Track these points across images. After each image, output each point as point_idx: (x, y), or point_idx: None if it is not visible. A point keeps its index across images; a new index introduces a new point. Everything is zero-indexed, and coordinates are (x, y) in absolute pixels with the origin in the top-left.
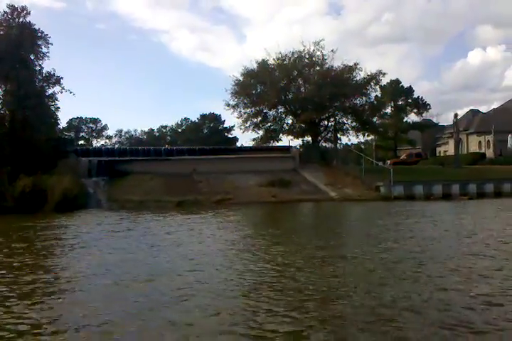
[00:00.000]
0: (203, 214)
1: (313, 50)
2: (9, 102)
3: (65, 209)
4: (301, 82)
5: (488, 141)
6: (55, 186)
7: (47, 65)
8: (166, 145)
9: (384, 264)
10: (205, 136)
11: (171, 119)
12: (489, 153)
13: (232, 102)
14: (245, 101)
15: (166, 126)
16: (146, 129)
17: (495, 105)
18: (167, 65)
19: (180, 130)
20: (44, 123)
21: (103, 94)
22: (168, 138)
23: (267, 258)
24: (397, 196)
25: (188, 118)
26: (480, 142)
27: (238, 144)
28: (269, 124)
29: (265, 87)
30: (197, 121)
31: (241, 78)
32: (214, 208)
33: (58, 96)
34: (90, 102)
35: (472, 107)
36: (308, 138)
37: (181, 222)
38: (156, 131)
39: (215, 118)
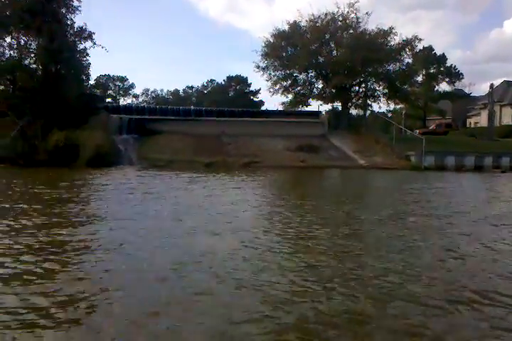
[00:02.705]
0: (237, 175)
1: (348, 12)
2: (42, 56)
3: (96, 164)
4: (333, 46)
5: None
6: (88, 141)
7: (78, 20)
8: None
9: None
10: (230, 99)
11: (197, 80)
12: None
13: (262, 64)
14: (275, 63)
15: (192, 87)
16: (172, 89)
17: None
18: (194, 26)
19: (205, 91)
20: (76, 79)
21: (130, 53)
22: (194, 99)
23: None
24: (427, 166)
25: (214, 80)
26: None
27: (264, 108)
28: (298, 88)
29: (296, 49)
30: (223, 83)
31: (272, 39)
32: (245, 170)
33: (89, 51)
34: (117, 60)
35: (505, 78)
36: (338, 104)
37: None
38: (181, 91)
39: (241, 81)
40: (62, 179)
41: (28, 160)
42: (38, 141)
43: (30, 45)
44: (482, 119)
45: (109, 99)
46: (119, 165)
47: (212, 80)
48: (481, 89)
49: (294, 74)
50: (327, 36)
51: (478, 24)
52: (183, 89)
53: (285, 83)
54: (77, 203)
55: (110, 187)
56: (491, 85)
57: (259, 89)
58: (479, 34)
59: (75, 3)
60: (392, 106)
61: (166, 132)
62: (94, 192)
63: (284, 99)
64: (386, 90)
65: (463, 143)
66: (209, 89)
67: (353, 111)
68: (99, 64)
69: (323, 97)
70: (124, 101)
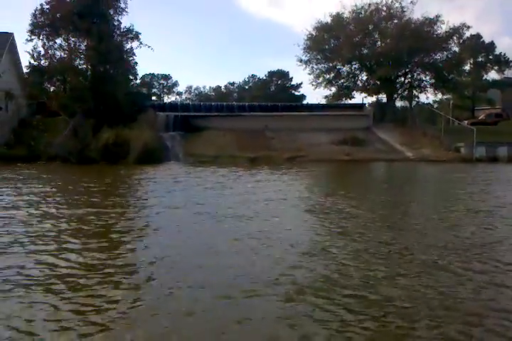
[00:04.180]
0: (284, 170)
1: (392, 2)
2: (91, 56)
3: (145, 161)
4: (377, 36)
5: None
6: (136, 139)
7: (125, 20)
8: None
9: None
10: (272, 93)
11: (238, 76)
12: None
13: (304, 58)
14: (318, 56)
15: (234, 83)
16: (214, 86)
17: None
18: (235, 22)
19: (247, 87)
20: (124, 78)
21: (173, 50)
22: (235, 95)
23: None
24: (478, 158)
25: (255, 76)
26: None
27: (306, 102)
28: (342, 81)
29: (339, 41)
30: (264, 78)
31: (314, 32)
32: (292, 165)
33: (135, 51)
34: (161, 58)
35: None
36: (383, 96)
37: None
38: (223, 87)
39: (282, 76)
40: (115, 174)
41: (79, 158)
42: (89, 139)
43: (80, 46)
44: None
45: (153, 97)
46: (166, 162)
47: (253, 76)
48: None
49: (337, 67)
50: (371, 27)
51: None
52: (225, 86)
53: (328, 76)
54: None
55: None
56: None
57: (301, 83)
58: None
59: (122, 5)
60: (439, 97)
61: (211, 128)
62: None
63: (327, 92)
64: (433, 80)
65: None
66: (250, 84)
67: (399, 103)
68: (144, 62)
69: (367, 89)
70: (168, 98)
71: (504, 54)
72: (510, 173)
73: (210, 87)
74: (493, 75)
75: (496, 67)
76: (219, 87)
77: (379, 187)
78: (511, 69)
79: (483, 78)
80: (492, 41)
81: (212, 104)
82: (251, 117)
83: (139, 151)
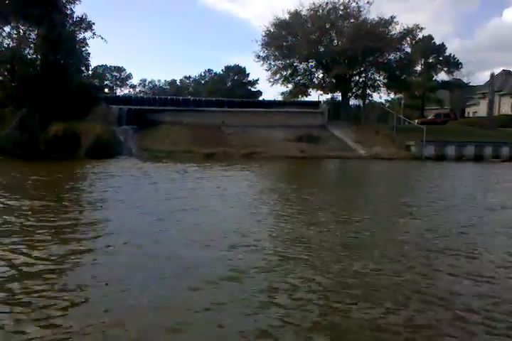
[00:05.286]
0: (238, 166)
1: (349, 1)
2: (41, 46)
3: (97, 155)
4: (334, 35)
5: None
6: (88, 132)
7: (78, 10)
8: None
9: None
10: (228, 89)
11: (194, 70)
12: None
13: (261, 54)
14: (276, 53)
15: (189, 77)
16: (169, 79)
17: None
18: (191, 15)
19: (203, 81)
20: (75, 69)
21: (127, 43)
22: (191, 89)
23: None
24: (427, 156)
25: (212, 70)
26: None
27: (262, 98)
28: (298, 78)
29: (297, 38)
30: (221, 73)
31: (272, 29)
32: (246, 161)
33: (89, 42)
34: (114, 50)
35: (504, 68)
36: (338, 94)
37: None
38: (178, 81)
39: (239, 71)
40: (58, 169)
41: (26, 152)
42: (37, 132)
43: (30, 34)
44: (481, 109)
45: (106, 90)
46: (118, 157)
47: (209, 70)
48: (480, 78)
49: (294, 64)
50: (328, 25)
51: (478, 13)
52: (180, 80)
53: (285, 73)
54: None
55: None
56: (492, 74)
57: (258, 79)
58: (478, 23)
59: None
60: (391, 96)
61: (166, 123)
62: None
63: (283, 89)
64: (386, 80)
65: (462, 133)
66: (206, 79)
67: (353, 101)
68: (96, 54)
69: (323, 87)
70: (121, 91)
71: (454, 55)
72: (453, 170)
73: (165, 80)
74: (442, 76)
75: (445, 69)
76: (174, 81)
77: (327, 183)
78: (460, 71)
79: (433, 79)
80: (443, 43)
81: (168, 97)
82: (207, 112)
83: (90, 145)
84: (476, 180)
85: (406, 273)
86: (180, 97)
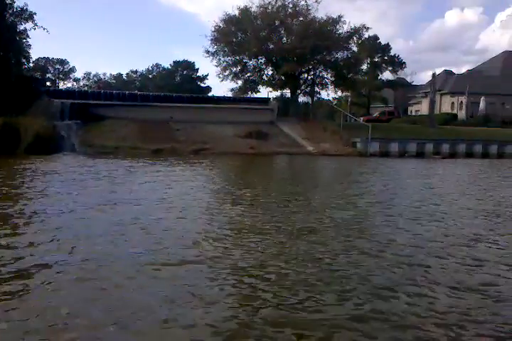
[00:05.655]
0: (184, 162)
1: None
2: None
3: (37, 151)
4: (283, 32)
5: (461, 102)
6: (28, 127)
7: (19, 0)
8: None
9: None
10: (177, 84)
11: (141, 64)
12: (461, 114)
13: (211, 49)
14: (225, 49)
15: (136, 71)
16: (115, 73)
17: (466, 67)
18: (139, 7)
19: (150, 76)
20: (15, 61)
21: (70, 35)
22: (138, 83)
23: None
24: (372, 153)
25: (160, 65)
26: (453, 103)
27: (211, 94)
28: (248, 74)
29: (246, 35)
30: (169, 67)
31: (221, 24)
32: (194, 157)
33: (30, 33)
34: (57, 43)
35: (445, 68)
36: (287, 91)
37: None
38: (125, 75)
39: (188, 66)
40: None
41: None
42: None
43: None
44: (423, 107)
45: (48, 83)
46: (60, 153)
47: (157, 64)
48: (422, 78)
49: (244, 61)
50: (277, 23)
51: (421, 14)
52: (127, 74)
53: (235, 69)
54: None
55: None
56: (433, 74)
57: (207, 75)
58: (421, 24)
59: None
60: (339, 94)
61: (112, 118)
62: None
63: (233, 85)
64: (334, 78)
65: (405, 131)
66: (154, 73)
67: (301, 99)
68: (38, 46)
69: (272, 84)
70: (63, 85)
71: (398, 55)
72: (392, 166)
73: (110, 74)
74: (387, 75)
75: (390, 68)
76: (120, 75)
77: (272, 177)
78: (404, 71)
79: (379, 78)
80: (388, 43)
81: (114, 92)
82: (155, 108)
83: (30, 141)
84: (401, 174)
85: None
86: (127, 92)
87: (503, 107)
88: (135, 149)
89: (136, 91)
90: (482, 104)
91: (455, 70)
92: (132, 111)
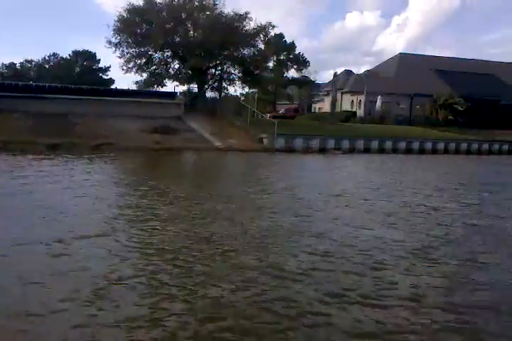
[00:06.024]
0: (82, 158)
1: None
2: None
3: None
4: (190, 26)
5: (360, 100)
6: None
7: None
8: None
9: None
10: (76, 75)
11: (37, 53)
12: (360, 112)
13: (114, 40)
14: (129, 40)
15: (32, 61)
16: (7, 62)
17: (365, 68)
18: None
19: (47, 66)
20: None
21: None
22: (33, 74)
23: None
24: (279, 148)
25: (58, 54)
26: (352, 101)
27: (114, 86)
28: (154, 67)
29: (152, 26)
30: (68, 57)
31: (125, 14)
32: (94, 153)
33: None
34: None
35: (346, 68)
36: (194, 86)
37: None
38: (18, 65)
39: (89, 57)
40: None
41: None
42: None
43: None
44: (325, 105)
45: None
46: None
47: (55, 54)
48: (325, 76)
49: (149, 53)
50: (183, 15)
51: (325, 15)
52: (21, 63)
53: (139, 61)
54: None
55: None
56: (335, 74)
57: (110, 67)
58: (325, 25)
59: None
60: (246, 90)
61: (2, 110)
62: None
63: (138, 78)
64: (241, 74)
65: (309, 127)
66: (51, 63)
67: (209, 94)
68: None
69: (179, 78)
70: None
71: (302, 54)
72: (292, 161)
73: (2, 63)
74: (292, 73)
75: (295, 66)
76: (13, 64)
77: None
78: (308, 69)
79: (284, 75)
80: (293, 41)
81: (5, 82)
82: (52, 100)
83: None
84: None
85: None
86: (20, 82)
87: (398, 106)
88: (29, 144)
89: (30, 82)
90: (378, 103)
91: (355, 70)
92: (26, 104)
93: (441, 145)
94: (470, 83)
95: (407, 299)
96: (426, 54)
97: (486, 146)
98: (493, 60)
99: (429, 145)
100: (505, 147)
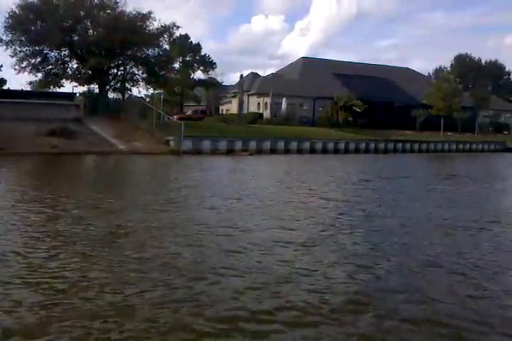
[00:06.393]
0: None
1: None
2: None
3: None
4: (89, 24)
5: (266, 102)
6: None
7: None
8: None
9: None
10: None
11: None
12: (266, 113)
13: (5, 37)
14: (22, 38)
15: None
16: None
17: (271, 70)
18: None
19: None
20: None
21: None
22: None
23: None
24: (186, 150)
25: None
26: (259, 103)
27: (6, 87)
28: (50, 67)
29: (47, 24)
30: None
31: (17, 11)
32: None
33: None
34: None
35: (252, 70)
36: (95, 87)
37: None
38: None
39: None
40: None
41: None
42: None
43: None
44: (233, 106)
45: None
46: None
47: None
48: (232, 78)
49: (45, 52)
50: (82, 13)
51: (230, 18)
52: None
53: (34, 60)
54: None
55: None
56: (241, 76)
57: (1, 66)
58: (231, 27)
59: None
60: (151, 91)
61: None
62: None
63: (32, 78)
64: (145, 75)
65: (217, 129)
66: None
67: (112, 95)
68: None
69: (78, 78)
70: None
71: (209, 56)
72: (196, 162)
73: None
74: (199, 75)
75: (202, 68)
76: None
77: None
78: (215, 71)
79: (191, 77)
80: (199, 43)
81: None
82: None
83: None
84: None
85: None
86: None
87: (302, 108)
88: None
89: None
90: (284, 105)
91: (262, 73)
92: None
93: (342, 145)
94: (367, 86)
95: None
96: (327, 58)
97: (382, 145)
98: (387, 65)
99: (331, 146)
100: (400, 146)
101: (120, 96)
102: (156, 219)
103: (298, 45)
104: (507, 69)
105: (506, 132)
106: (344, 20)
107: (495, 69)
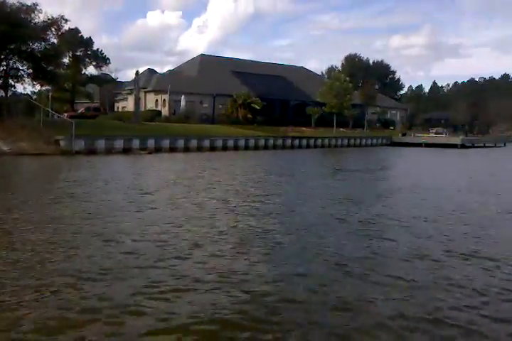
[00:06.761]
0: None
1: None
2: None
3: None
4: None
5: (164, 100)
6: None
7: None
8: None
9: None
10: None
11: None
12: (165, 111)
13: None
14: None
15: None
16: None
17: (170, 67)
18: None
19: None
20: None
21: None
22: None
23: None
24: (78, 150)
25: None
26: (157, 100)
27: None
28: None
29: None
30: None
31: None
32: None
33: None
34: None
35: (149, 67)
36: None
37: None
38: None
39: None
40: None
41: None
42: None
43: None
44: (129, 104)
45: None
46: None
47: None
48: (128, 75)
49: None
50: None
51: (124, 12)
52: None
53: None
54: None
55: None
56: (137, 72)
57: None
58: (125, 22)
59: None
60: (38, 88)
61: None
62: None
63: None
64: (31, 70)
65: (113, 127)
66: None
67: None
68: None
69: None
70: None
71: (101, 51)
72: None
73: None
74: (91, 70)
75: (94, 63)
76: None
77: None
78: (108, 66)
79: (83, 72)
80: (90, 37)
81: None
82: None
83: None
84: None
85: None
86: None
87: (201, 105)
88: None
89: None
90: (183, 102)
91: (159, 69)
92: None
93: (242, 142)
94: (265, 84)
95: None
96: (226, 56)
97: (280, 142)
98: (284, 64)
99: (231, 143)
100: (296, 142)
101: (3, 93)
102: None
103: (196, 43)
104: (392, 69)
105: (392, 127)
106: (241, 19)
107: (381, 68)
